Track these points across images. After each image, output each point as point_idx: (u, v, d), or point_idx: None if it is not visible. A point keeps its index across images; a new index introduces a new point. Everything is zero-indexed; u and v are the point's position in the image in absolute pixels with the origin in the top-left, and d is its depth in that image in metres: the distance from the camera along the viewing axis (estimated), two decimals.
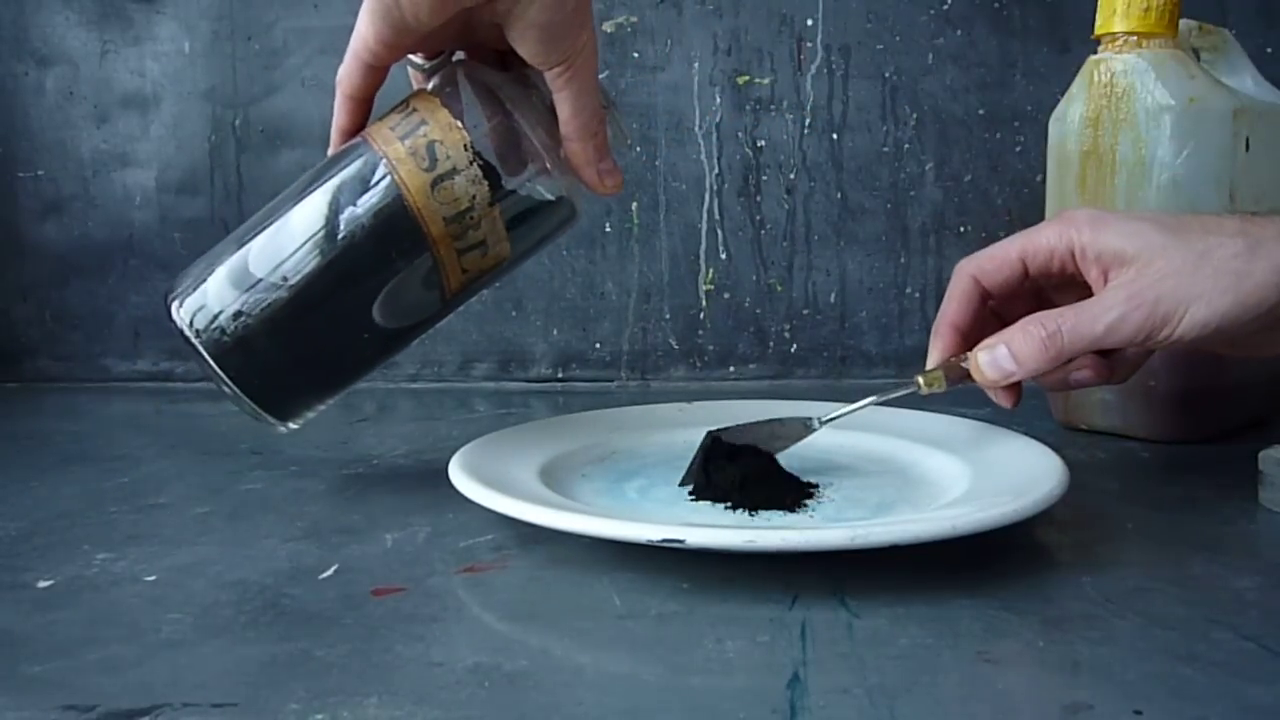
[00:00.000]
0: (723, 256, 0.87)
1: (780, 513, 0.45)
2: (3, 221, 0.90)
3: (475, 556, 0.43)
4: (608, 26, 0.86)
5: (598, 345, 0.88)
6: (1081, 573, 0.41)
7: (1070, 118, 0.62)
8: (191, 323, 0.48)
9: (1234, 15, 0.83)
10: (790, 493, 0.47)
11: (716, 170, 0.87)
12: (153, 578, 0.41)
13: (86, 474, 0.59)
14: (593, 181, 0.51)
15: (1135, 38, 0.60)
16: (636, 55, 0.86)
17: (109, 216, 0.90)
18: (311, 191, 0.49)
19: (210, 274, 0.49)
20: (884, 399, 0.50)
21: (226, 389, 0.49)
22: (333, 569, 0.42)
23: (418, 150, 0.48)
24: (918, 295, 0.87)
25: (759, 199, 0.87)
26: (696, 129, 0.86)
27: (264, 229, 0.49)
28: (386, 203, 0.48)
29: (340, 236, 0.48)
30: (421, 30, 0.47)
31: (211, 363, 0.48)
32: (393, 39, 0.47)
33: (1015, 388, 0.47)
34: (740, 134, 0.86)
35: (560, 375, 0.89)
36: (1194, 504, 0.50)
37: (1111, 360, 0.46)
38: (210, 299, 0.48)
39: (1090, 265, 0.45)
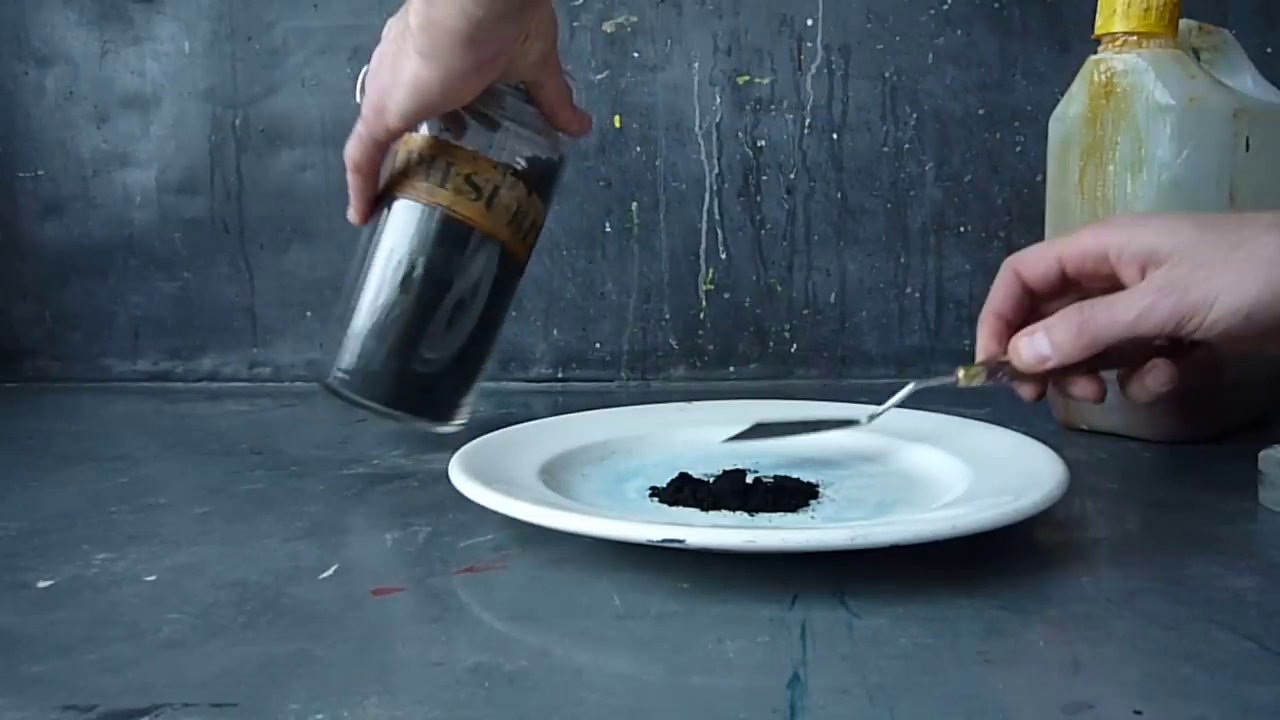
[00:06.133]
0: (723, 256, 0.87)
1: (780, 513, 0.45)
2: (3, 221, 0.90)
3: (475, 556, 0.43)
4: (608, 26, 0.86)
5: (598, 345, 0.88)
6: (1081, 573, 0.41)
7: (1070, 117, 0.62)
8: (342, 385, 0.57)
9: (1234, 15, 0.83)
10: (791, 494, 0.47)
11: (716, 170, 0.87)
12: (153, 578, 0.41)
13: (86, 474, 0.59)
14: (578, 132, 0.60)
15: (1135, 38, 0.60)
16: (636, 55, 0.86)
17: (109, 216, 0.90)
18: (397, 254, 0.57)
19: (342, 340, 0.57)
20: (922, 386, 0.51)
21: (395, 420, 0.58)
22: (333, 569, 0.42)
23: (460, 189, 0.56)
24: (918, 295, 0.87)
25: (759, 199, 0.87)
26: (696, 129, 0.86)
27: (362, 292, 0.57)
28: (462, 239, 0.57)
29: (437, 277, 0.57)
30: (449, 109, 0.54)
31: (378, 407, 0.57)
32: (416, 116, 0.54)
33: (1039, 382, 0.48)
34: (740, 134, 0.86)
35: (560, 375, 0.89)
36: (1194, 504, 0.50)
37: (1178, 361, 0.46)
38: (350, 361, 0.57)
39: (1127, 265, 0.45)
